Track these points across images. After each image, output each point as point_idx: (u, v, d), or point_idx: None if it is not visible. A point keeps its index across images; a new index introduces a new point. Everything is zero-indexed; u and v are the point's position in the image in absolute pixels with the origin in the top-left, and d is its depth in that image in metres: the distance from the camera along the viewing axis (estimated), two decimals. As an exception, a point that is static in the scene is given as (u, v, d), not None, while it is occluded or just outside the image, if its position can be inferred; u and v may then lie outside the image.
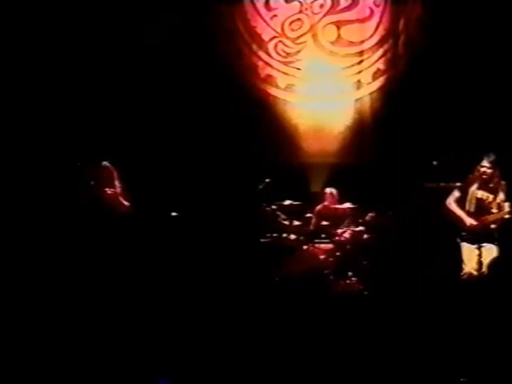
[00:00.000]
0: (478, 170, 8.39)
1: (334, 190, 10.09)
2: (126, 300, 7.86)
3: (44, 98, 10.22)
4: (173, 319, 7.53)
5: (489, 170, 8.32)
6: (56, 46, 10.28)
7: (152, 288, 8.32)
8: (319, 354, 6.73)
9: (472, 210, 8.38)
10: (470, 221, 8.30)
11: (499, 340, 6.26)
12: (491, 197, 8.33)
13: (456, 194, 8.49)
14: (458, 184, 8.61)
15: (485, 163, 8.33)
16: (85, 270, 8.18)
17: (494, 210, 8.31)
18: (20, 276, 8.24)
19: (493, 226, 8.30)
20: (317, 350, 6.83)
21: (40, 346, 6.70)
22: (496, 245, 8.28)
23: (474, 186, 8.40)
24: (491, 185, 8.34)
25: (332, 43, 10.88)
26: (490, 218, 8.31)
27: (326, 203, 10.10)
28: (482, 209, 8.36)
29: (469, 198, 8.41)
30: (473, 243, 8.35)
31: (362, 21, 10.83)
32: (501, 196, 8.32)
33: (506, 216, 8.22)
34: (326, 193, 10.14)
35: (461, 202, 8.44)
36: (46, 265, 8.48)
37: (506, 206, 8.26)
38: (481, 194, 8.37)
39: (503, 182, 8.36)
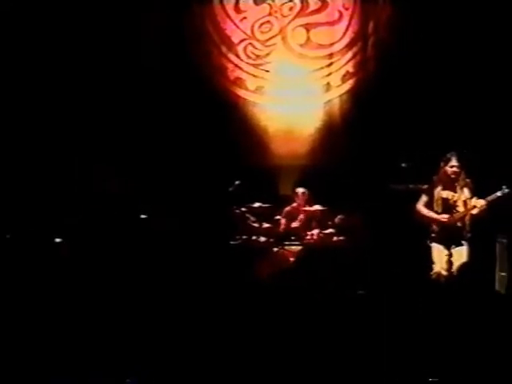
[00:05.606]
0: (441, 171, 8.45)
1: (305, 190, 10.09)
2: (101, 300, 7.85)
3: (29, 96, 10.17)
4: (143, 323, 7.48)
5: (451, 169, 8.37)
6: (42, 46, 10.24)
7: (122, 290, 8.27)
8: (293, 356, 6.71)
9: (440, 210, 8.42)
10: (443, 218, 8.33)
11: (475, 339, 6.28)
12: (456, 195, 8.37)
13: (424, 198, 8.52)
14: (425, 186, 8.66)
15: (447, 163, 8.39)
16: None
17: (461, 209, 8.36)
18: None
19: (459, 223, 8.35)
20: (290, 351, 6.80)
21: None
22: (465, 244, 8.33)
23: (439, 187, 8.44)
24: (455, 184, 8.38)
25: (301, 46, 10.88)
26: (456, 215, 8.35)
27: (295, 204, 10.10)
28: (448, 208, 8.39)
29: (435, 199, 8.46)
30: (442, 243, 8.39)
31: (331, 23, 10.84)
32: (466, 193, 8.37)
33: (473, 212, 8.27)
34: (297, 192, 10.12)
35: (429, 205, 8.48)
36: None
37: (471, 203, 8.30)
38: (446, 193, 8.40)
39: (468, 180, 8.41)
